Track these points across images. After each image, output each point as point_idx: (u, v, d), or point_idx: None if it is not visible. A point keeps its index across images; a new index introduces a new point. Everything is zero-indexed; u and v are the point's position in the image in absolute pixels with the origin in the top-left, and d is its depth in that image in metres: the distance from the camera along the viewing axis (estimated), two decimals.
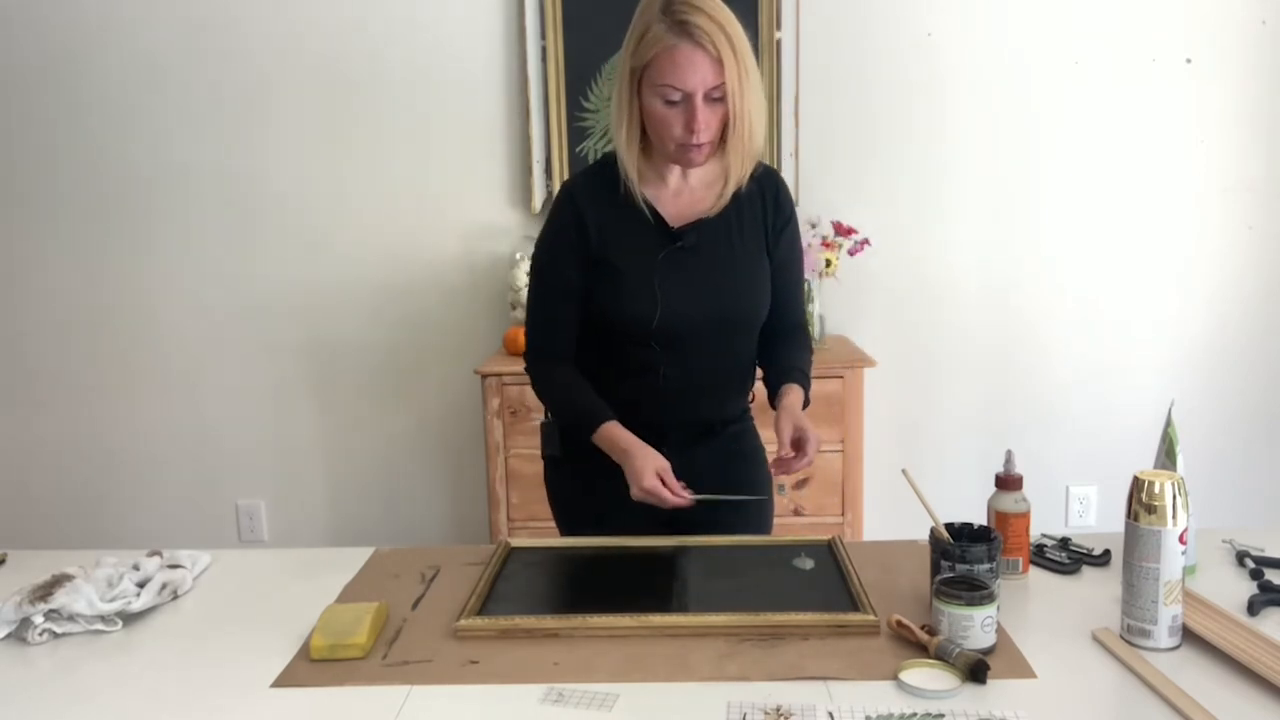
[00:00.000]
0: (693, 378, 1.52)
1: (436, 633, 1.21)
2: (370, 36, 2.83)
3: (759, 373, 1.63)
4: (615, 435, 1.46)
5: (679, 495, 1.40)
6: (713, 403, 1.58)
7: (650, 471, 1.40)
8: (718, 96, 1.37)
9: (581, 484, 1.61)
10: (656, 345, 1.49)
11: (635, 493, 1.41)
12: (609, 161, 1.52)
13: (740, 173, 1.48)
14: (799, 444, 1.44)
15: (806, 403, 1.53)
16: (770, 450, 1.65)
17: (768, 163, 2.86)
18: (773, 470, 1.49)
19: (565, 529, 1.66)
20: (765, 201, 1.54)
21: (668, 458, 1.50)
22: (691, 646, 1.15)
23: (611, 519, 1.52)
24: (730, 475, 1.60)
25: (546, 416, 1.65)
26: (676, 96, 1.37)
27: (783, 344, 1.60)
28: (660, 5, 1.36)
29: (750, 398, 1.66)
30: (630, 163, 1.46)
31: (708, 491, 1.45)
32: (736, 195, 1.51)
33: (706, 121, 1.38)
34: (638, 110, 1.42)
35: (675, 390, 1.52)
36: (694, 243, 1.49)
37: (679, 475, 1.45)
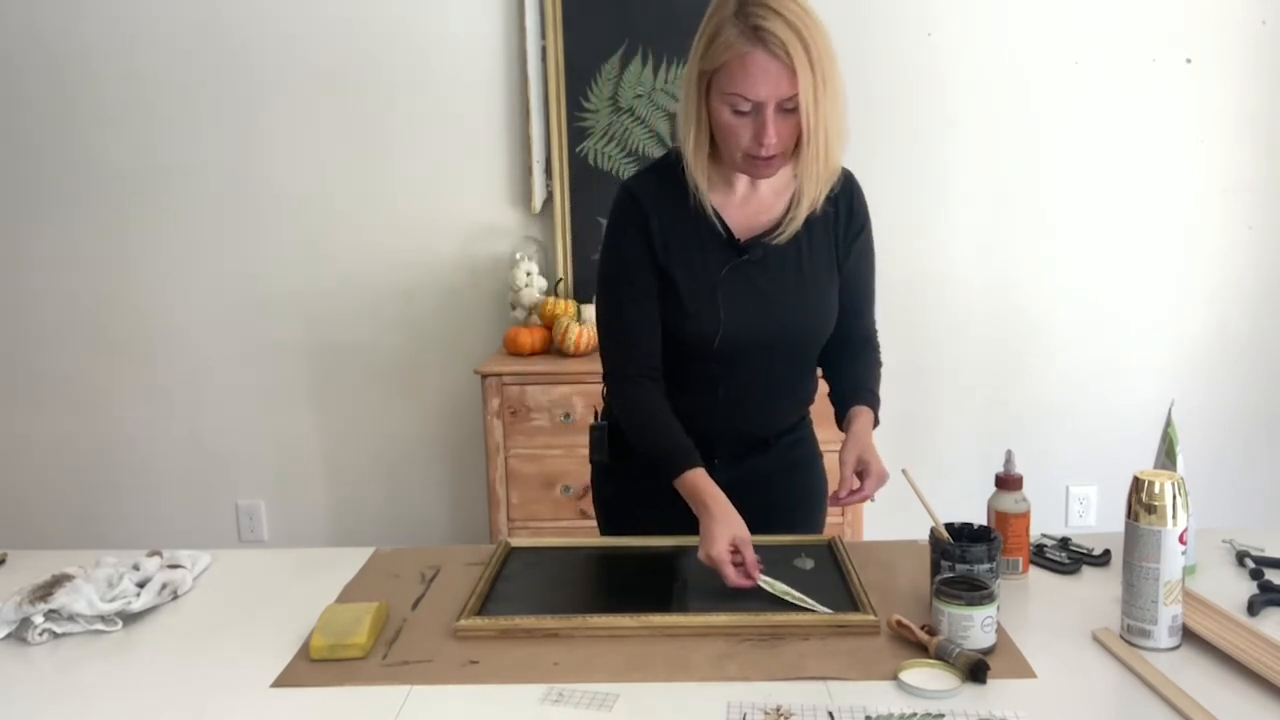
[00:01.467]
0: (750, 394, 1.47)
1: (436, 633, 1.21)
2: (370, 36, 2.83)
3: (822, 384, 1.57)
4: (699, 486, 1.34)
5: (746, 577, 1.26)
6: (768, 419, 1.52)
7: (724, 540, 1.27)
8: (791, 108, 1.27)
9: (627, 493, 1.56)
10: (716, 362, 1.43)
11: (701, 555, 1.29)
12: (671, 162, 1.43)
13: (814, 193, 1.37)
14: (862, 476, 1.37)
15: (876, 422, 1.46)
16: (829, 454, 1.60)
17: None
18: (829, 503, 1.40)
19: (609, 535, 1.61)
20: (839, 210, 1.46)
21: (719, 470, 1.43)
22: (691, 646, 1.15)
23: (657, 530, 1.47)
24: (783, 485, 1.56)
25: (596, 420, 1.58)
26: (746, 106, 1.27)
27: (851, 358, 1.53)
28: (734, 6, 1.26)
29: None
30: (699, 170, 1.37)
31: (777, 581, 1.29)
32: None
33: (778, 133, 1.28)
34: (706, 115, 1.33)
35: (731, 405, 1.47)
36: (760, 256, 1.41)
37: (731, 488, 1.37)
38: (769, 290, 1.42)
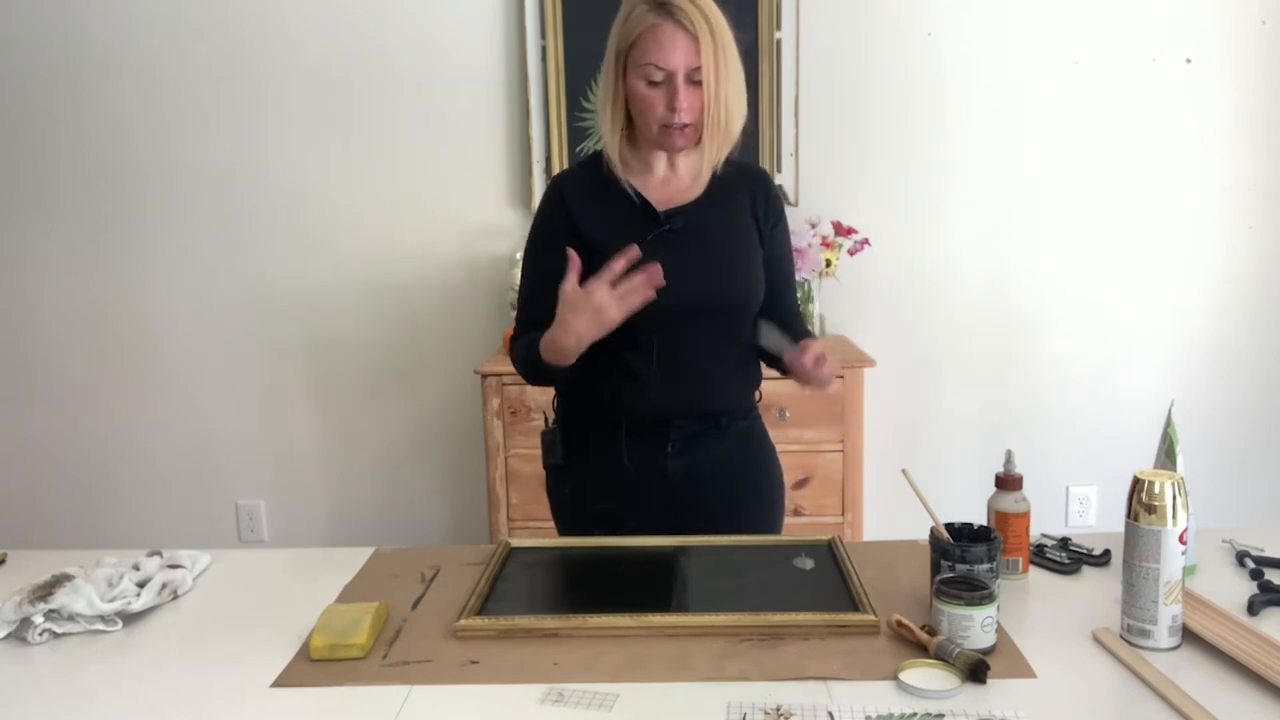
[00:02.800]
0: (689, 364, 1.51)
1: (436, 633, 1.21)
2: (370, 37, 2.83)
3: (763, 370, 1.62)
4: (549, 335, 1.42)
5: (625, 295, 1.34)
6: (713, 393, 1.55)
7: (571, 301, 1.36)
8: (698, 80, 1.41)
9: (583, 492, 1.59)
10: (650, 330, 1.47)
11: (588, 319, 1.35)
12: (594, 157, 1.57)
13: (715, 157, 1.49)
14: (817, 361, 1.44)
15: None
16: (781, 449, 1.67)
17: (766, 162, 2.86)
18: (797, 368, 1.45)
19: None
20: (756, 198, 1.56)
21: (674, 456, 1.52)
22: (691, 646, 1.15)
23: (615, 528, 1.50)
24: (739, 476, 1.58)
25: (548, 425, 1.64)
26: (659, 76, 1.41)
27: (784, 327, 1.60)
28: None
29: (757, 396, 1.64)
30: (614, 146, 1.50)
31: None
32: (721, 182, 1.53)
33: (688, 102, 1.41)
34: (623, 95, 1.46)
35: (671, 375, 1.50)
36: (681, 225, 1.50)
37: (688, 477, 1.45)
38: (695, 255, 1.49)
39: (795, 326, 1.62)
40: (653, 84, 1.42)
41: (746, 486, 1.60)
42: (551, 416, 1.66)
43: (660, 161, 1.53)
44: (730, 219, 1.53)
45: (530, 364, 1.50)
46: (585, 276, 1.43)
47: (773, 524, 1.64)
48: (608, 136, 1.50)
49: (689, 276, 1.48)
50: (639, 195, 1.51)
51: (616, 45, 1.46)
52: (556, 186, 1.57)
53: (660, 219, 1.50)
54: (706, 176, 1.52)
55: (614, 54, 1.46)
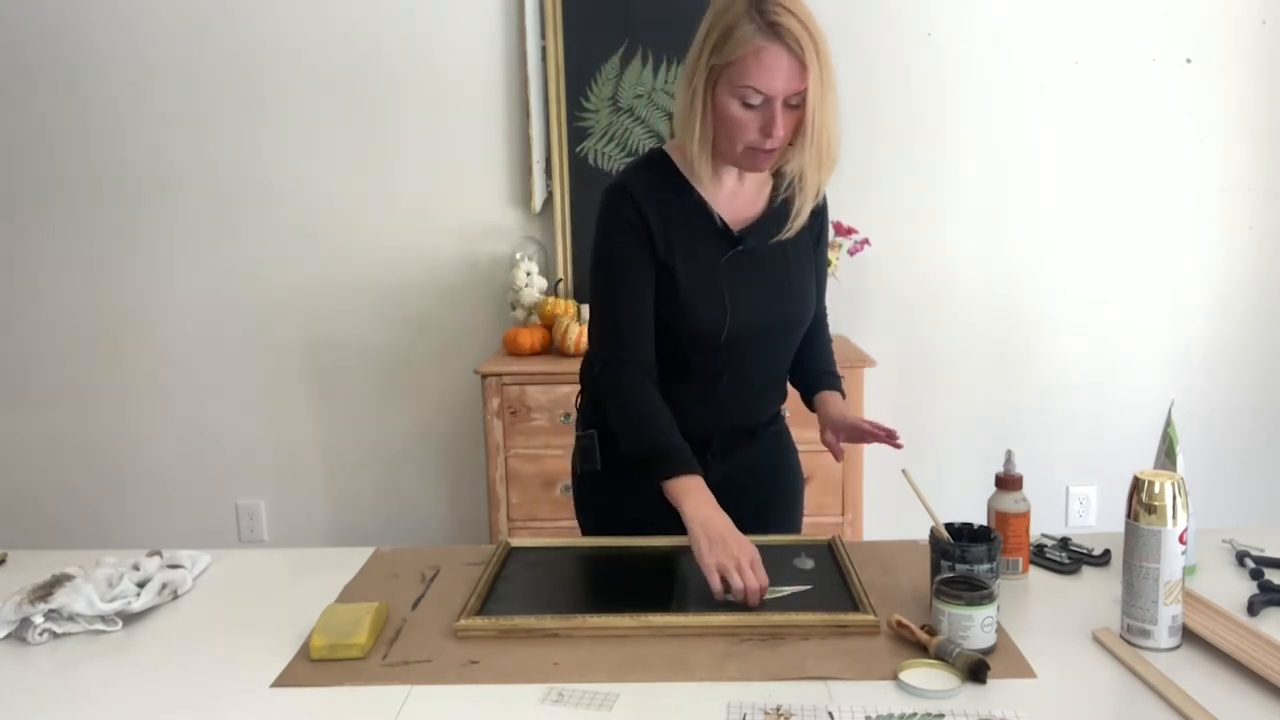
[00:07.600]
0: (749, 383, 1.51)
1: (436, 633, 1.21)
2: (370, 37, 2.83)
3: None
4: (693, 490, 1.32)
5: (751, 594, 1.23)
6: (759, 406, 1.57)
7: (748, 552, 1.25)
8: (795, 104, 1.33)
9: (619, 498, 1.55)
10: (722, 352, 1.46)
11: (715, 559, 1.25)
12: (656, 159, 1.47)
13: (816, 185, 1.42)
14: (858, 438, 1.47)
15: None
16: (803, 450, 1.68)
17: None
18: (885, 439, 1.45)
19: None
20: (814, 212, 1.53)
21: (712, 466, 1.46)
22: (691, 646, 1.15)
23: (646, 533, 1.47)
24: (769, 482, 1.60)
25: (580, 429, 1.57)
26: (757, 100, 1.32)
27: (810, 342, 1.60)
28: (746, 4, 1.31)
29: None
30: (702, 163, 1.40)
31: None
32: (787, 201, 1.45)
33: (785, 128, 1.33)
34: (709, 108, 1.36)
35: (730, 394, 1.50)
36: (753, 246, 1.46)
37: (724, 485, 1.38)
38: (763, 278, 1.47)
39: (819, 344, 1.63)
40: (748, 106, 1.32)
41: (775, 486, 1.62)
42: (577, 418, 1.61)
43: (730, 174, 1.46)
44: (793, 238, 1.49)
45: (635, 450, 1.39)
46: (656, 297, 1.43)
47: (796, 520, 1.66)
48: (695, 153, 1.39)
49: (761, 301, 1.46)
50: (721, 220, 1.45)
51: (710, 59, 1.33)
52: (629, 197, 1.42)
53: (735, 239, 1.45)
54: (806, 209, 1.44)
55: (704, 66, 1.34)
